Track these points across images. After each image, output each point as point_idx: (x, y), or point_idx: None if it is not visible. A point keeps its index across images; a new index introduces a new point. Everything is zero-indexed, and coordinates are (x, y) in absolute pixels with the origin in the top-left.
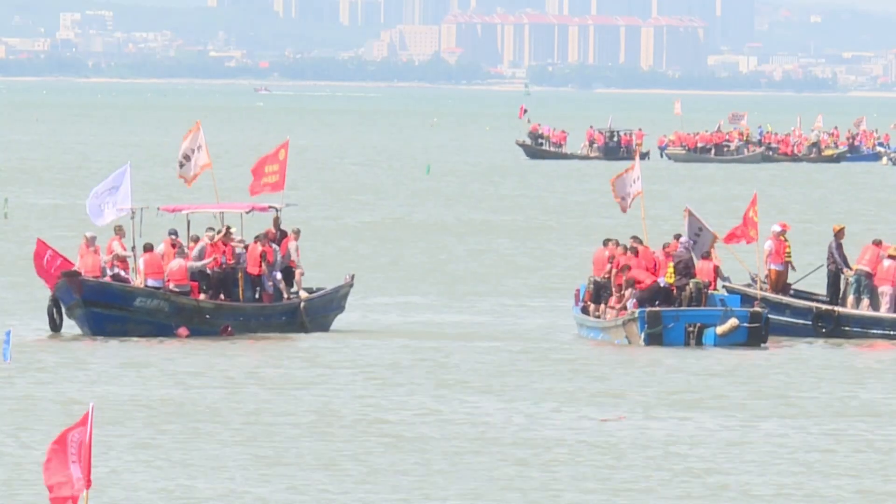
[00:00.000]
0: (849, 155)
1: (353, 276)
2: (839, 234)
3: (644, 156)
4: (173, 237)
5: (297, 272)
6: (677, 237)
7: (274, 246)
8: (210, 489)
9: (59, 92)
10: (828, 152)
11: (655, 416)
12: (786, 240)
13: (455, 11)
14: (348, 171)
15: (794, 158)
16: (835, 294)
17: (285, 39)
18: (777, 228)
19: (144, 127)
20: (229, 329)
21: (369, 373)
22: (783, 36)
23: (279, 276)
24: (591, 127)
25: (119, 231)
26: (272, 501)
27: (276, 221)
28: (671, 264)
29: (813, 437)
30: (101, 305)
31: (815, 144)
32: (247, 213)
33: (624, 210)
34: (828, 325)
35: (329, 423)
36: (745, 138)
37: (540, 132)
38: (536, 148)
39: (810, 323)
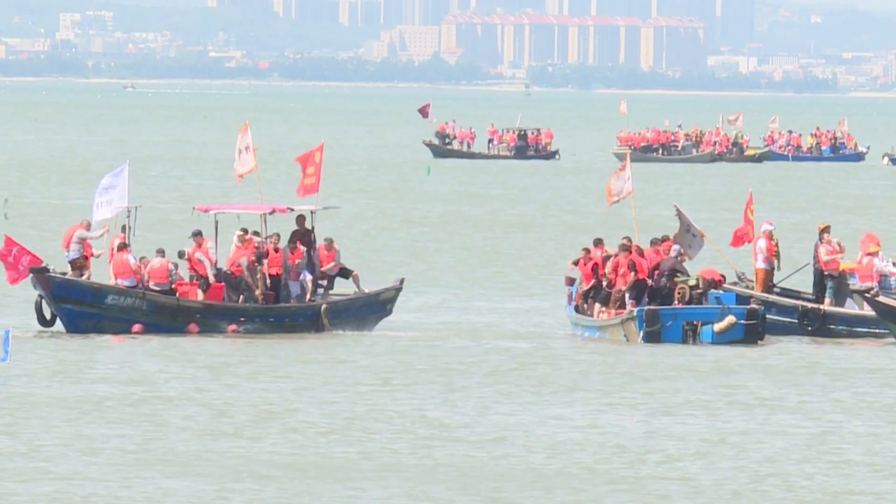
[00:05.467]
0: (832, 155)
1: (402, 281)
2: (824, 232)
3: (552, 155)
4: (199, 238)
5: (309, 279)
6: (664, 238)
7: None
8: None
9: (59, 92)
10: (749, 152)
11: (659, 416)
12: (773, 239)
13: (455, 12)
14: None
15: (715, 158)
16: (820, 292)
17: (285, 39)
18: (769, 227)
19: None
20: (194, 328)
21: (362, 373)
22: (783, 36)
23: (308, 277)
24: (492, 125)
25: (125, 230)
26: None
27: (301, 221)
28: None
29: (808, 433)
30: (71, 302)
31: (737, 144)
32: (269, 214)
33: (609, 203)
34: (813, 323)
35: (330, 424)
36: (694, 138)
37: (447, 132)
38: (444, 147)
39: (796, 321)
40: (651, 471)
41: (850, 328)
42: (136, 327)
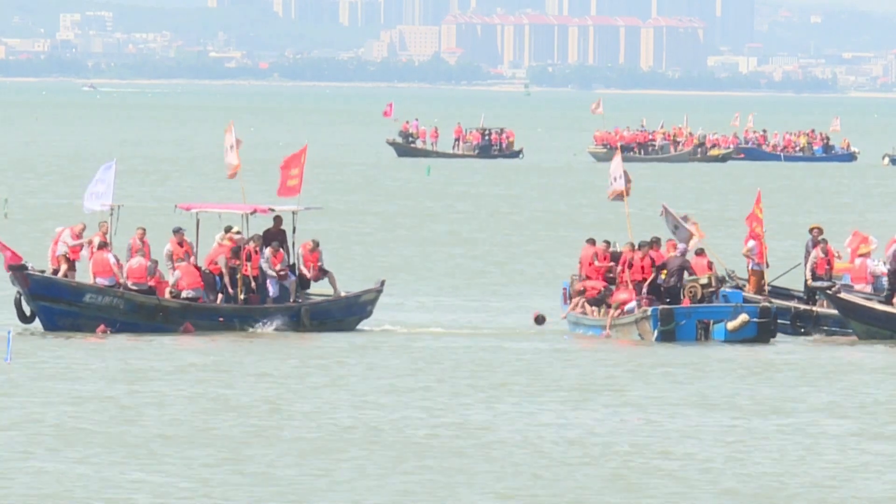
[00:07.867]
0: (824, 155)
1: (383, 283)
2: (815, 232)
3: (516, 154)
4: (180, 235)
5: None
6: (656, 240)
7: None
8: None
9: (58, 92)
10: (714, 152)
11: (660, 415)
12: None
13: (455, 12)
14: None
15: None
16: (812, 293)
17: (285, 40)
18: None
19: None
20: (190, 327)
21: (357, 373)
22: (783, 36)
23: (293, 278)
24: (459, 124)
25: (101, 227)
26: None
27: (279, 222)
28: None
29: (803, 433)
30: (49, 300)
31: (701, 144)
32: (250, 214)
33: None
34: (806, 324)
35: (322, 424)
36: (672, 137)
37: (410, 131)
38: (407, 146)
39: (788, 322)
40: (651, 469)
41: (842, 329)
42: (100, 328)
